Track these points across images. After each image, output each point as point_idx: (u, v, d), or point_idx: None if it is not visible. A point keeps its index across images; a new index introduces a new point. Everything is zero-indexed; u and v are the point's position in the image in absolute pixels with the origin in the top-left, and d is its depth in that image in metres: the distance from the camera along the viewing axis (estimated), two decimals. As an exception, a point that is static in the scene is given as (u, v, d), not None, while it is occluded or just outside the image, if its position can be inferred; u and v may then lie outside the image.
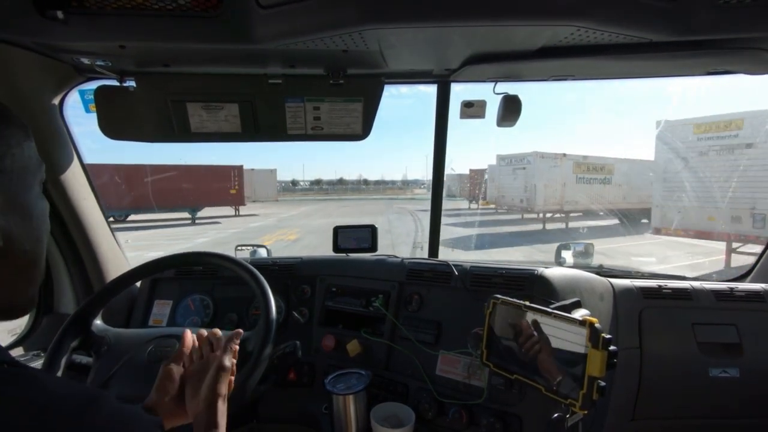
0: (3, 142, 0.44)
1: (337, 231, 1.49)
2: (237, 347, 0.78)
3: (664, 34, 0.88)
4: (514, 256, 8.62)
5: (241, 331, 0.81)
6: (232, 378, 0.76)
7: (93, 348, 0.96)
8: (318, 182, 60.67)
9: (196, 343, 0.79)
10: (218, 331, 0.81)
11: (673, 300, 1.25)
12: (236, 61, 1.08)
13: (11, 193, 0.45)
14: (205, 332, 0.81)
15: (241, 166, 18.17)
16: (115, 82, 1.17)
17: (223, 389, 0.72)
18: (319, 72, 1.17)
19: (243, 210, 18.87)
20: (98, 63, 1.07)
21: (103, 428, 0.39)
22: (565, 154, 14.57)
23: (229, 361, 0.75)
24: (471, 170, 24.24)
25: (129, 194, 14.50)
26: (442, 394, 1.06)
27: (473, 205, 22.43)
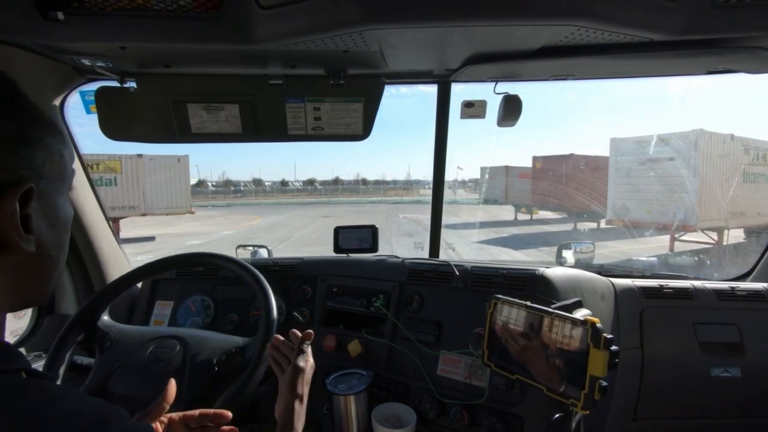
0: (47, 149, 0.44)
1: (338, 231, 1.50)
2: (308, 348, 0.86)
3: (665, 34, 0.88)
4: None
5: (311, 332, 0.87)
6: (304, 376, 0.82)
7: (97, 343, 0.96)
8: (311, 182, 56.75)
9: (172, 396, 0.73)
10: (296, 333, 0.88)
11: (674, 300, 1.25)
12: (237, 61, 1.08)
13: (45, 199, 0.45)
14: (280, 338, 0.89)
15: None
16: (115, 83, 1.17)
17: (299, 389, 0.80)
18: (319, 72, 1.17)
19: (136, 227, 11.98)
20: (99, 64, 1.07)
21: None
22: None
23: (303, 361, 0.83)
24: (536, 158, 14.71)
25: None
26: (443, 395, 1.06)
27: (523, 216, 15.00)
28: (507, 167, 17.57)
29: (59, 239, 0.48)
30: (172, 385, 0.73)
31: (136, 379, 0.91)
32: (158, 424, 0.71)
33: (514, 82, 1.30)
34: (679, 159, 7.84)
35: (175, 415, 0.73)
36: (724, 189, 7.92)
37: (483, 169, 19.83)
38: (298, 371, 0.82)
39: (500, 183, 17.36)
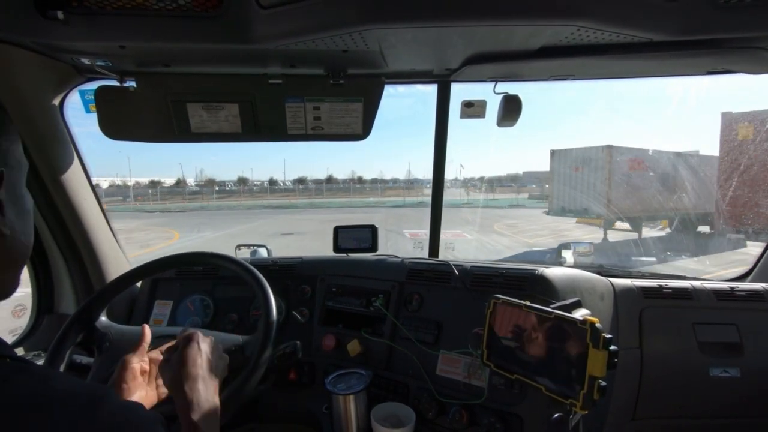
0: (8, 138, 0.47)
1: (338, 231, 1.50)
2: (159, 355, 0.78)
3: (665, 34, 0.88)
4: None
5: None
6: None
7: (96, 344, 0.96)
8: (302, 181, 53.58)
9: (148, 336, 0.85)
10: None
11: (673, 300, 1.25)
12: (236, 61, 1.08)
13: (11, 188, 0.47)
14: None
15: None
16: (115, 83, 1.17)
17: (188, 395, 0.65)
18: (319, 72, 1.17)
19: None
20: (98, 63, 1.07)
21: (108, 425, 0.39)
22: None
23: (171, 367, 0.69)
24: (730, 116, 7.72)
25: None
26: (442, 394, 1.06)
27: (618, 235, 9.18)
28: (610, 147, 9.88)
29: (27, 228, 0.50)
30: (147, 330, 0.84)
31: None
32: (138, 366, 0.78)
33: (514, 82, 1.30)
34: None
35: (151, 353, 0.82)
36: None
37: (554, 154, 11.56)
38: (165, 370, 0.70)
39: (595, 177, 9.89)
